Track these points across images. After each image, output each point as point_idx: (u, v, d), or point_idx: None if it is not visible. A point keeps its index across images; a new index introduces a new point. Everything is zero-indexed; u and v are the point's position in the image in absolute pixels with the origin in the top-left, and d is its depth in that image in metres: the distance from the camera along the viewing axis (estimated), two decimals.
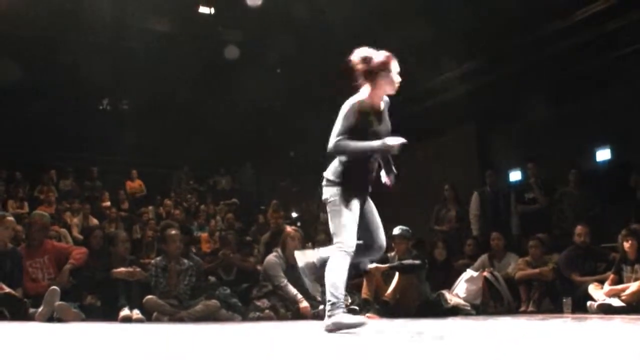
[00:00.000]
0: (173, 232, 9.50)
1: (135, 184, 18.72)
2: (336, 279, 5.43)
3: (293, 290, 9.13)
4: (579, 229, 10.18)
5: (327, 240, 12.16)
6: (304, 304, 8.97)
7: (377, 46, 5.61)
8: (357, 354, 3.27)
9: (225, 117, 19.62)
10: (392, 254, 10.02)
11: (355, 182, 5.67)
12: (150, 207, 16.17)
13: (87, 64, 17.15)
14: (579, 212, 11.53)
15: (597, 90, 12.81)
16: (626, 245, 9.14)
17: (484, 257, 10.86)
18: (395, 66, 5.65)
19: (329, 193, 5.68)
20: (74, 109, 19.36)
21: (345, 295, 9.15)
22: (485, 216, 12.72)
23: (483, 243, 11.51)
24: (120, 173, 19.30)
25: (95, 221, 14.66)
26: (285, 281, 9.22)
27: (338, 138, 5.47)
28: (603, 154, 13.45)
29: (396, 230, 10.08)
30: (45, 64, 17.62)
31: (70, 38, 17.43)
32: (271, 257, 9.55)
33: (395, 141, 5.45)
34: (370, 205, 5.88)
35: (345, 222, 5.52)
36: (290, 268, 9.34)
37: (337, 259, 5.47)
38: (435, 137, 16.45)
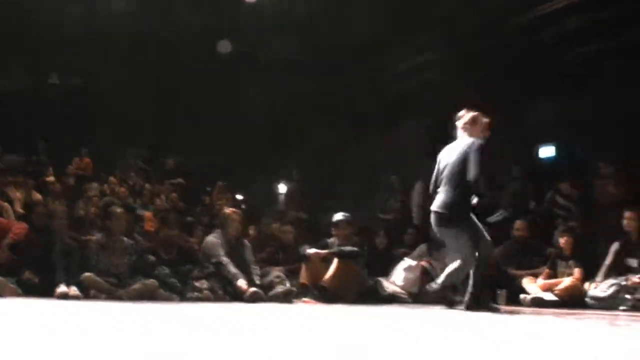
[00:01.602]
0: (118, 210, 9.52)
1: (83, 162, 18.51)
2: None
3: (233, 268, 9.17)
4: (517, 223, 10.37)
5: (270, 223, 12.34)
6: (242, 282, 9.02)
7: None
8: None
9: (177, 96, 19.49)
10: (333, 240, 10.10)
11: None
12: (95, 184, 15.98)
13: (35, 37, 16.96)
14: (520, 207, 11.73)
15: (543, 88, 12.96)
16: (562, 241, 9.35)
17: (422, 247, 10.95)
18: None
19: None
20: (21, 82, 19.10)
21: (282, 280, 9.32)
22: (428, 207, 12.81)
23: (424, 233, 11.62)
24: (67, 149, 19.08)
25: (38, 196, 14.48)
26: (226, 259, 9.25)
27: None
28: (547, 151, 13.63)
29: (338, 216, 10.16)
30: None
31: (20, 8, 17.18)
32: (211, 237, 9.59)
33: None
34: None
35: None
36: (230, 248, 9.40)
37: None
38: (389, 127, 16.55)
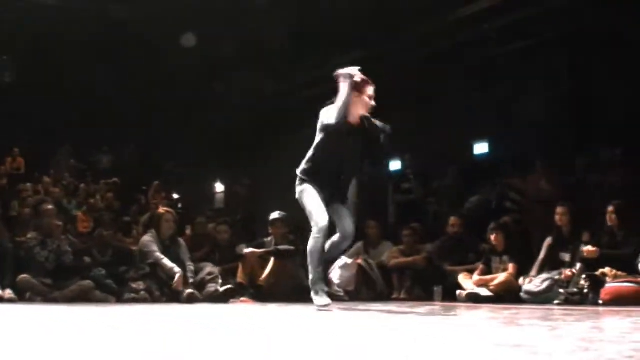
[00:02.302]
0: (49, 207, 9.40)
1: (16, 162, 18.26)
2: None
3: (169, 263, 9.07)
4: (452, 219, 10.50)
5: (204, 223, 12.24)
6: (179, 276, 8.96)
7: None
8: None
9: (111, 93, 19.24)
10: (269, 238, 10.13)
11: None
12: (29, 184, 15.77)
13: None
14: (455, 204, 11.86)
15: (478, 85, 13.07)
16: (493, 237, 9.45)
17: (359, 245, 10.93)
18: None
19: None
20: None
21: (215, 276, 9.27)
22: (363, 204, 12.88)
23: (359, 231, 11.64)
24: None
25: None
26: (161, 255, 9.16)
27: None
28: (481, 148, 13.75)
29: (274, 215, 10.17)
30: None
31: None
32: (146, 237, 9.51)
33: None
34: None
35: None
36: (165, 248, 9.32)
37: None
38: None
